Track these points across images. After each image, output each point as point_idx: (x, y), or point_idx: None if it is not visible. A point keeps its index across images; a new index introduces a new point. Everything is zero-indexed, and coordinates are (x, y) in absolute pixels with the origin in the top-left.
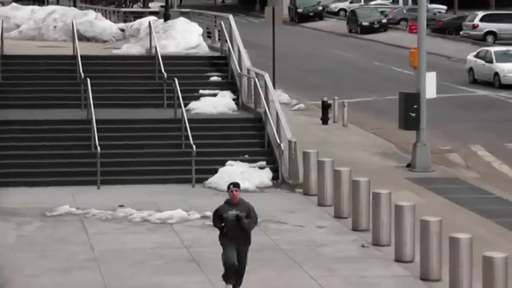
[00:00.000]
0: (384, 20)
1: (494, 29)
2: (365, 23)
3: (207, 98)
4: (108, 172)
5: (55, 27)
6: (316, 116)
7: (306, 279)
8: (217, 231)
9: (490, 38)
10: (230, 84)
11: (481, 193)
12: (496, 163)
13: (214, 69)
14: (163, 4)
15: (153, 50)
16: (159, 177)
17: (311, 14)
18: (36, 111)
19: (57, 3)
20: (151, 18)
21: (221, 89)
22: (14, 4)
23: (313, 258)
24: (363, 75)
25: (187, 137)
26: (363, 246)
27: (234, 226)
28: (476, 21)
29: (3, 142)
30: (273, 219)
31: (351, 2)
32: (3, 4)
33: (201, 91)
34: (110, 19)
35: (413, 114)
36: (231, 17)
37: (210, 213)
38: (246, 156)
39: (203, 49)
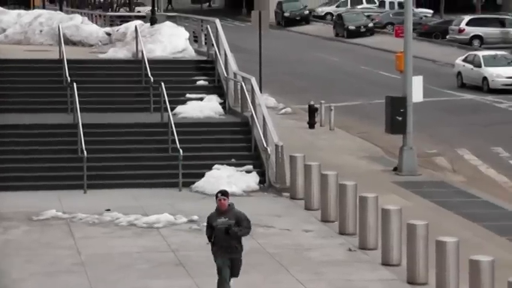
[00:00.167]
0: (371, 24)
1: (480, 33)
2: (351, 27)
3: (194, 102)
4: (94, 176)
5: (41, 31)
6: (302, 120)
7: (292, 283)
8: (204, 236)
9: (476, 42)
10: (217, 88)
11: (467, 197)
12: (483, 167)
13: (200, 73)
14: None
15: (140, 54)
16: (146, 181)
17: (298, 18)
18: (22, 115)
19: (43, 7)
20: (138, 22)
21: (208, 93)
22: (0, 8)
23: (300, 262)
24: (349, 79)
25: (174, 141)
26: (350, 250)
27: (223, 235)
28: (463, 25)
29: None
30: (259, 223)
31: (337, 6)
32: None
33: (187, 95)
34: (96, 23)
35: (400, 118)
36: (217, 21)
37: (196, 217)
38: (233, 160)
39: (190, 53)
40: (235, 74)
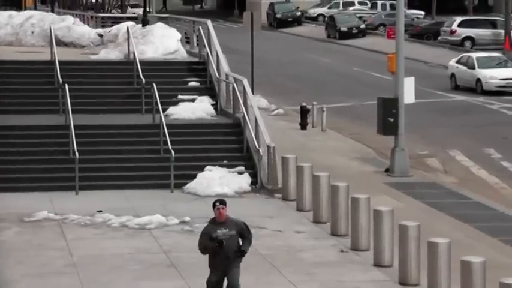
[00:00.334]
0: (362, 26)
1: (472, 35)
2: (343, 29)
3: (186, 103)
4: (86, 177)
5: (33, 32)
6: (294, 121)
7: (284, 284)
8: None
9: (467, 44)
10: (209, 89)
11: (459, 198)
12: (474, 168)
13: (192, 74)
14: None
15: (132, 55)
16: (138, 182)
17: (290, 20)
18: (14, 116)
19: (35, 8)
20: (130, 23)
21: (200, 94)
22: None
23: (292, 263)
24: (341, 81)
25: (165, 142)
26: (342, 251)
27: (226, 246)
28: (454, 26)
29: None
30: (251, 224)
31: (329, 8)
32: None
33: (179, 96)
34: (88, 24)
35: (392, 119)
36: (209, 22)
37: (188, 219)
38: (225, 161)
39: (181, 54)
40: (227, 75)
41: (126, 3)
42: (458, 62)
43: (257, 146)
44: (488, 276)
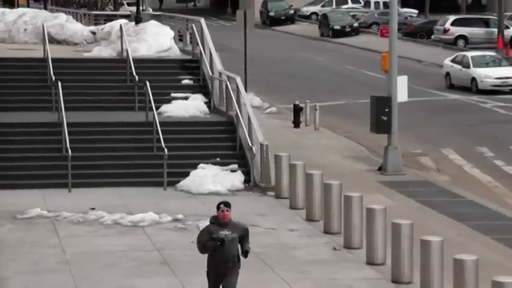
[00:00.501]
0: (356, 24)
1: (465, 33)
2: (337, 27)
3: (179, 101)
4: (79, 175)
5: (25, 29)
6: (288, 119)
7: (277, 282)
8: (189, 235)
9: (461, 42)
10: (202, 87)
11: (452, 196)
12: (467, 166)
13: (185, 72)
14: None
15: (125, 53)
16: (131, 180)
17: (283, 18)
18: (7, 114)
19: (28, 5)
20: (123, 21)
21: (193, 92)
22: None
23: (285, 261)
24: (334, 79)
25: (158, 140)
26: (335, 249)
27: (226, 248)
28: (447, 25)
29: None
30: (244, 223)
31: (322, 6)
32: None
33: (172, 94)
34: (81, 22)
35: (385, 118)
36: (202, 20)
37: (181, 216)
38: (218, 159)
39: (175, 52)
40: (220, 73)
41: (121, 1)
42: (453, 61)
43: (250, 144)
44: (481, 274)
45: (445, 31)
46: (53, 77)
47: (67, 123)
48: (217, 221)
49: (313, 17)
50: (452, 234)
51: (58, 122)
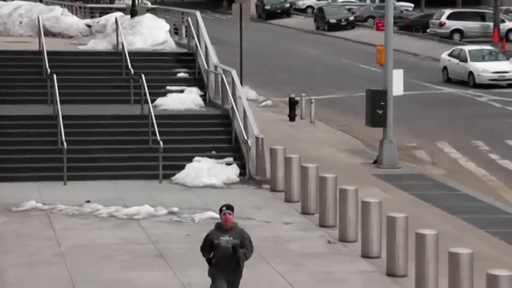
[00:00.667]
0: (351, 18)
1: (461, 27)
2: (332, 20)
3: (174, 94)
4: (74, 168)
5: (21, 22)
6: (283, 112)
7: (272, 275)
8: (184, 227)
9: (456, 36)
10: (197, 80)
11: (447, 190)
12: (462, 160)
13: (181, 65)
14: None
15: (120, 46)
16: (126, 173)
17: (278, 11)
18: (2, 106)
19: None
20: (118, 14)
21: (188, 85)
22: None
23: (280, 254)
24: (330, 72)
25: (154, 133)
26: (330, 242)
27: (227, 255)
28: (443, 19)
29: None
30: (240, 216)
31: None
32: None
33: (168, 87)
34: (76, 15)
35: (380, 111)
36: (198, 13)
37: (177, 209)
38: (213, 152)
39: (170, 45)
40: (215, 67)
41: None
42: (450, 55)
43: (245, 137)
44: (476, 267)
45: (441, 25)
46: (48, 70)
47: (62, 116)
48: (220, 227)
49: (309, 10)
50: (447, 227)
51: (53, 114)
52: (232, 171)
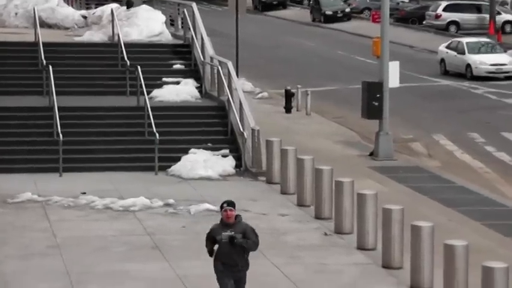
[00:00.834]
0: (347, 9)
1: (457, 19)
2: (328, 12)
3: (170, 86)
4: (70, 159)
5: (16, 13)
6: (279, 104)
7: (268, 267)
8: (180, 219)
9: (452, 28)
10: (193, 72)
11: (442, 182)
12: (458, 152)
13: (177, 57)
14: None
15: (116, 38)
16: (122, 164)
17: (275, 3)
18: None
19: None
20: (114, 5)
21: (184, 77)
22: None
23: (275, 246)
24: (326, 64)
25: (150, 125)
26: (326, 234)
27: (229, 249)
28: (439, 11)
29: None
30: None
31: None
32: None
33: (164, 79)
34: (72, 6)
35: (376, 103)
36: (194, 4)
37: (172, 201)
38: (209, 144)
39: (166, 37)
40: (211, 58)
41: None
42: (448, 47)
43: (241, 129)
44: (471, 259)
45: (437, 17)
46: (44, 61)
47: (58, 108)
48: (222, 222)
49: (305, 2)
50: (442, 219)
51: (49, 106)
52: (228, 163)
